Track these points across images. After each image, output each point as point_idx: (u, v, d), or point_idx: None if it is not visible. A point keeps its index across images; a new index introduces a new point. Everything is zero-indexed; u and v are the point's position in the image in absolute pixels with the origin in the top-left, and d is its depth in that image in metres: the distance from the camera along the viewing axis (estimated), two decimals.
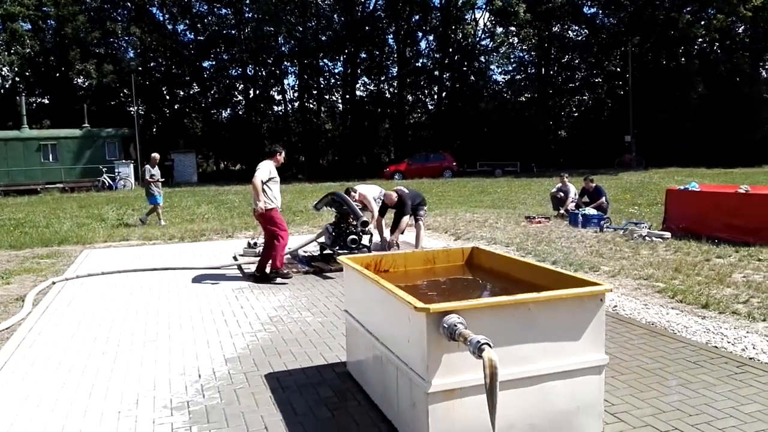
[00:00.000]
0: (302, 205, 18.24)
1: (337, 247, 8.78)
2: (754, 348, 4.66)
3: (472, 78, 41.91)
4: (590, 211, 12.33)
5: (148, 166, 14.35)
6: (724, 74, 34.69)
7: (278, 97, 46.08)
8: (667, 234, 10.16)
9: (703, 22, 34.76)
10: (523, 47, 43.62)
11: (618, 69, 38.94)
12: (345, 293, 4.43)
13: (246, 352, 4.95)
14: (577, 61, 41.82)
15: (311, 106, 45.82)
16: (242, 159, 46.07)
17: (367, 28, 42.47)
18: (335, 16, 42.99)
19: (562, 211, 13.69)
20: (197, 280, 7.87)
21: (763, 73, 38.57)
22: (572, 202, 13.74)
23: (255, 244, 9.30)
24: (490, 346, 2.72)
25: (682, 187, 11.27)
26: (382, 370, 3.61)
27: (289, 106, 46.31)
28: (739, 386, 3.92)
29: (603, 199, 13.28)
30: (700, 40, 35.97)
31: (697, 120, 33.86)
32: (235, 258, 9.15)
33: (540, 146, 39.57)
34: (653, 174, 27.71)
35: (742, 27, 36.05)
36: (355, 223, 8.77)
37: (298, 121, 45.45)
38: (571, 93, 42.14)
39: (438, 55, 43.46)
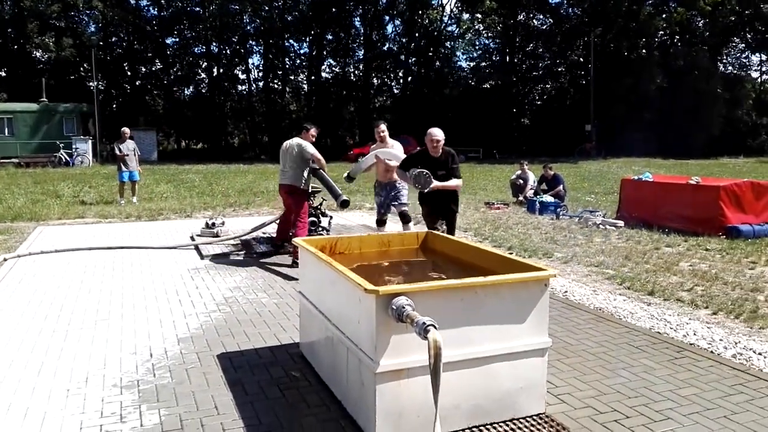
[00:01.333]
0: (263, 186, 18.10)
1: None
2: (694, 334, 4.86)
3: (438, 64, 41.97)
4: (547, 198, 12.58)
5: (116, 142, 14.05)
6: (682, 67, 35.57)
7: (242, 77, 45.43)
8: (620, 222, 10.44)
9: (663, 15, 35.46)
10: (489, 34, 43.87)
11: (581, 59, 39.53)
12: (299, 275, 4.46)
13: (199, 332, 4.94)
14: (540, 50, 42.29)
15: (276, 86, 45.30)
16: (204, 138, 45.35)
17: (333, 9, 42.05)
18: None
19: (521, 198, 13.93)
20: (153, 259, 7.77)
21: (721, 67, 39.67)
22: (531, 189, 13.98)
23: (213, 224, 9.23)
24: (435, 327, 2.79)
25: (636, 177, 11.58)
26: (333, 351, 3.65)
27: (254, 85, 45.72)
28: (677, 370, 4.09)
29: (561, 187, 13.55)
30: (660, 32, 36.72)
31: (656, 111, 34.69)
32: (192, 238, 9.06)
33: (503, 133, 39.99)
34: (611, 163, 28.34)
35: (702, 21, 36.92)
36: (315, 205, 8.78)
37: (262, 101, 44.89)
38: (534, 81, 42.67)
39: (404, 40, 43.40)
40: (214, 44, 43.18)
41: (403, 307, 2.95)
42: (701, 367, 4.14)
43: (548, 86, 43.16)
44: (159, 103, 45.71)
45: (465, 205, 13.53)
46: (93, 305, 5.69)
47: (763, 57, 41.05)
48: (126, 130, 14.12)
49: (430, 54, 42.53)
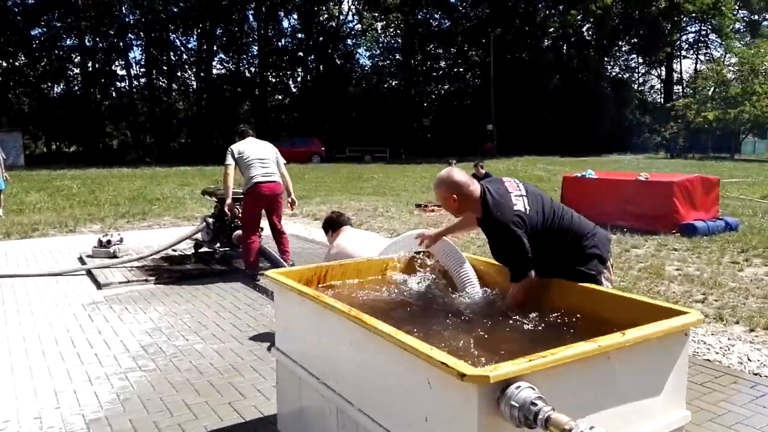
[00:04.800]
0: (158, 191, 16.01)
1: (218, 245, 7.25)
2: (749, 359, 4.00)
3: (339, 61, 40.73)
4: None
5: None
6: (575, 68, 36.76)
7: (122, 73, 41.69)
8: None
9: (557, 18, 36.47)
10: (391, 32, 43.19)
11: (481, 59, 39.83)
12: (277, 322, 3.07)
13: (117, 407, 3.40)
14: (441, 50, 42.21)
15: (161, 83, 42.02)
16: (78, 139, 41.07)
17: (224, 2, 39.57)
18: None
19: None
20: (31, 292, 5.93)
21: (608, 68, 41.59)
22: None
23: (108, 242, 7.43)
24: None
25: (578, 175, 11.00)
26: None
27: (135, 82, 42.10)
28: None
29: None
30: (554, 34, 37.75)
31: (552, 111, 35.56)
32: (82, 261, 7.23)
33: (407, 133, 39.49)
34: (516, 162, 28.46)
35: (590, 25, 38.40)
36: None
37: (145, 99, 41.45)
38: (436, 81, 42.50)
39: (302, 36, 41.72)
40: (89, 36, 39.26)
41: (533, 404, 1.71)
42: None
43: (450, 86, 43.12)
44: (24, 101, 40.88)
45: (396, 207, 12.45)
46: None
47: (645, 59, 43.48)
48: None
49: (330, 51, 41.17)
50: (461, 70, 42.24)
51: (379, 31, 42.65)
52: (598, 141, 35.32)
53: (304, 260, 6.94)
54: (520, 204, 2.88)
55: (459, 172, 3.01)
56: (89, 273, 6.58)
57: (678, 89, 45.46)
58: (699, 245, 7.98)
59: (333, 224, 4.61)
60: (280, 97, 44.90)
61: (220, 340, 4.56)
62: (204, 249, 7.50)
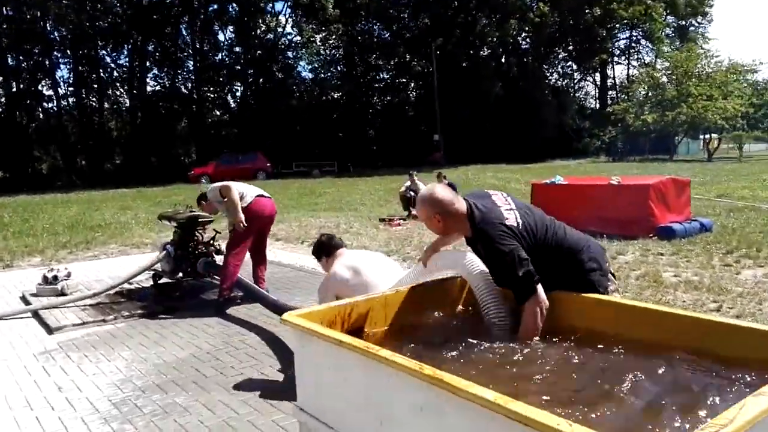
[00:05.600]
0: (98, 218, 14.91)
1: (181, 275, 6.55)
2: None
3: (279, 75, 39.91)
4: None
5: None
6: (515, 77, 37.30)
7: (49, 93, 39.52)
8: None
9: (496, 27, 36.90)
10: (331, 44, 42.71)
11: (424, 69, 39.90)
12: (301, 377, 2.50)
13: None
14: (383, 61, 42.04)
15: (91, 102, 40.07)
16: (4, 165, 38.56)
17: (155, 16, 38.18)
18: (115, 0, 37.96)
19: (414, 212, 12.61)
20: None
21: (548, 75, 42.46)
22: None
23: (55, 277, 6.61)
24: None
25: (548, 182, 10.79)
26: None
27: (63, 102, 40.00)
28: None
29: None
30: (494, 43, 38.19)
31: (495, 119, 35.90)
32: (25, 300, 6.38)
33: (353, 145, 39.02)
34: (466, 171, 28.40)
35: (528, 34, 39.11)
36: (208, 240, 6.62)
37: (75, 119, 39.42)
38: (380, 92, 42.26)
39: (239, 49, 40.71)
40: (11, 55, 37.06)
41: None
42: None
43: (393, 97, 42.93)
44: None
45: (359, 223, 11.94)
46: None
47: (580, 66, 44.67)
48: None
49: (269, 64, 40.31)
50: (404, 80, 42.21)
51: (320, 43, 42.21)
52: (541, 147, 35.89)
53: (274, 286, 6.37)
54: (512, 218, 2.58)
55: (442, 189, 2.66)
56: (36, 315, 5.77)
57: (612, 94, 46.99)
58: (682, 249, 7.84)
59: (325, 248, 4.08)
60: (218, 112, 43.64)
61: (203, 389, 3.92)
62: (164, 280, 6.79)
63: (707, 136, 39.36)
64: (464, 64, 37.73)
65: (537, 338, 2.42)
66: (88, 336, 5.17)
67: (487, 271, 2.77)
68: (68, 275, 6.74)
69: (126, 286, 6.55)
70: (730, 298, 5.42)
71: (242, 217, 5.67)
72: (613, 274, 2.78)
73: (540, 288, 2.45)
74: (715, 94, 32.23)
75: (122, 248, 10.14)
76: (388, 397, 1.98)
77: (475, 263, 2.78)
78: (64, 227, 12.95)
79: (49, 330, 5.32)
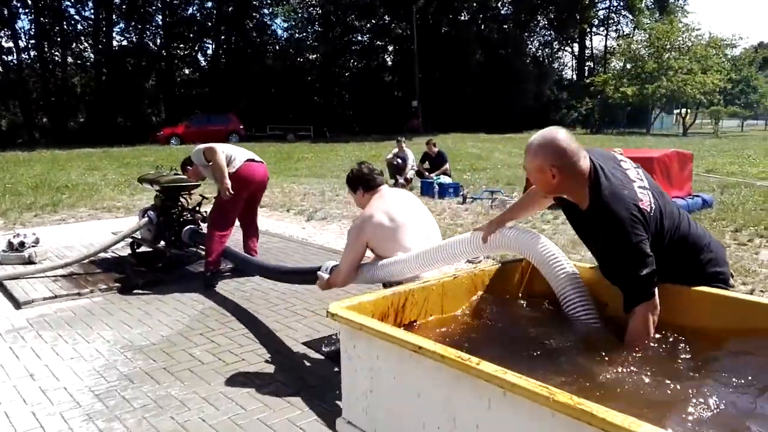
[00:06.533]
0: (64, 177, 14.03)
1: (164, 243, 5.97)
2: None
3: (254, 33, 38.42)
4: (444, 179, 10.95)
5: None
6: (496, 44, 36.61)
7: (8, 45, 37.36)
8: None
9: None
10: (309, 2, 41.13)
11: (403, 33, 38.82)
12: (349, 382, 2.01)
13: None
14: (361, 22, 40.71)
15: (54, 56, 38.10)
16: None
17: None
18: None
19: (401, 180, 12.11)
20: None
21: (528, 44, 41.87)
22: (412, 169, 12.25)
23: (22, 243, 5.96)
24: None
25: None
26: None
27: (24, 55, 37.91)
28: None
29: (447, 165, 12.04)
30: (475, 7, 37.25)
31: (475, 87, 35.28)
32: None
33: (330, 110, 38.04)
34: (444, 139, 27.83)
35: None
36: (193, 206, 6.04)
37: (36, 73, 37.48)
38: (358, 55, 41.06)
39: (211, 4, 39.03)
40: None
41: None
42: None
43: (372, 61, 41.70)
44: None
45: (346, 191, 11.39)
46: None
47: (559, 35, 44.14)
48: None
49: (243, 22, 38.72)
50: (383, 44, 41.07)
51: (297, 1, 40.64)
52: (519, 117, 35.51)
53: (263, 258, 5.75)
54: (646, 199, 2.04)
55: (567, 135, 2.08)
56: (0, 286, 5.14)
57: (590, 65, 46.70)
58: None
59: (365, 182, 3.50)
60: (188, 71, 42.02)
61: (202, 379, 3.42)
62: (143, 249, 6.20)
63: (682, 110, 39.53)
64: (445, 29, 36.84)
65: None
66: (62, 312, 4.59)
67: (565, 258, 2.31)
68: (36, 241, 6.10)
69: (102, 255, 5.94)
70: (759, 280, 5.11)
71: (229, 183, 5.13)
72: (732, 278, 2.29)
73: (656, 294, 1.99)
74: (694, 68, 32.18)
75: (92, 212, 9.43)
76: (492, 428, 1.52)
77: (551, 249, 2.32)
78: (28, 187, 12.09)
79: (17, 304, 4.72)
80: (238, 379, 3.41)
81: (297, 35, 39.71)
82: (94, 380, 3.41)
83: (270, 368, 3.57)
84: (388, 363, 1.80)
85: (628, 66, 35.40)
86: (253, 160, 5.40)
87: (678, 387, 1.69)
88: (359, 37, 40.99)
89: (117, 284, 5.17)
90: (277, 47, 40.87)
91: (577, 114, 39.77)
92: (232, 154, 5.31)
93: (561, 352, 2.01)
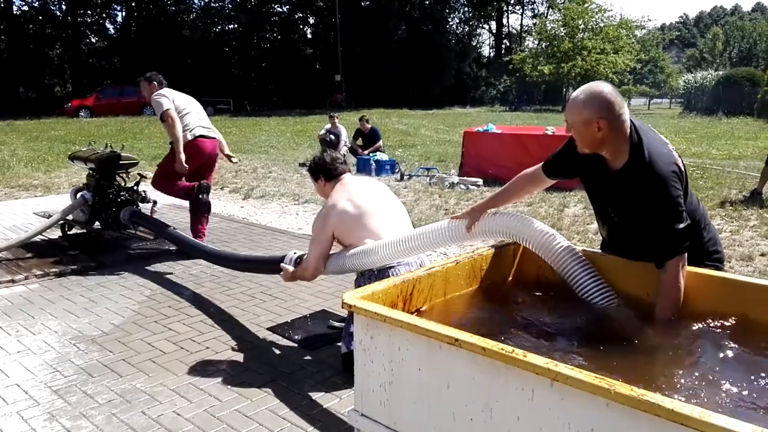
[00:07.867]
0: None
1: (99, 225, 5.62)
2: None
3: (168, 1, 36.46)
4: (381, 156, 10.92)
5: None
6: (418, 19, 36.59)
7: None
8: (479, 180, 9.29)
9: None
10: None
11: (324, 5, 37.99)
12: (364, 375, 1.95)
13: None
14: None
15: None
16: None
17: None
18: None
19: None
20: None
21: (449, 21, 42.18)
22: (345, 145, 12.13)
23: None
24: None
25: (481, 129, 10.53)
26: None
27: None
28: None
29: (380, 142, 12.00)
30: None
31: (398, 62, 35.22)
32: None
33: (249, 83, 36.85)
34: (369, 114, 27.74)
35: None
36: (131, 185, 5.70)
37: None
38: (279, 27, 39.83)
39: None
40: None
41: None
42: None
43: (292, 33, 40.57)
44: None
45: (279, 167, 11.15)
46: None
47: (477, 13, 44.75)
48: None
49: None
50: (303, 15, 40.04)
51: None
52: (440, 94, 35.87)
53: (208, 239, 5.51)
54: (679, 161, 2.09)
55: (612, 88, 2.04)
56: None
57: (506, 43, 47.75)
58: None
59: (327, 171, 3.37)
60: (96, 39, 39.49)
61: (168, 370, 3.26)
62: (75, 231, 5.82)
63: None
64: (366, 3, 36.45)
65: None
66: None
67: (563, 239, 2.33)
68: None
69: (41, 239, 5.51)
70: (762, 266, 5.22)
71: (184, 157, 4.93)
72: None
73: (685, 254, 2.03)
74: (606, 48, 33.55)
75: (8, 190, 8.74)
76: (535, 421, 1.51)
77: (549, 231, 2.33)
78: None
79: None
80: (207, 369, 3.27)
81: (214, 4, 38.06)
82: (48, 375, 3.17)
83: (238, 356, 3.45)
84: (413, 354, 1.76)
85: (544, 45, 36.43)
86: (210, 136, 5.21)
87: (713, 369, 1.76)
88: (279, 8, 39.79)
89: (53, 269, 4.81)
90: (193, 16, 39.03)
91: (496, 91, 40.64)
92: (191, 125, 5.11)
93: (570, 335, 2.04)
